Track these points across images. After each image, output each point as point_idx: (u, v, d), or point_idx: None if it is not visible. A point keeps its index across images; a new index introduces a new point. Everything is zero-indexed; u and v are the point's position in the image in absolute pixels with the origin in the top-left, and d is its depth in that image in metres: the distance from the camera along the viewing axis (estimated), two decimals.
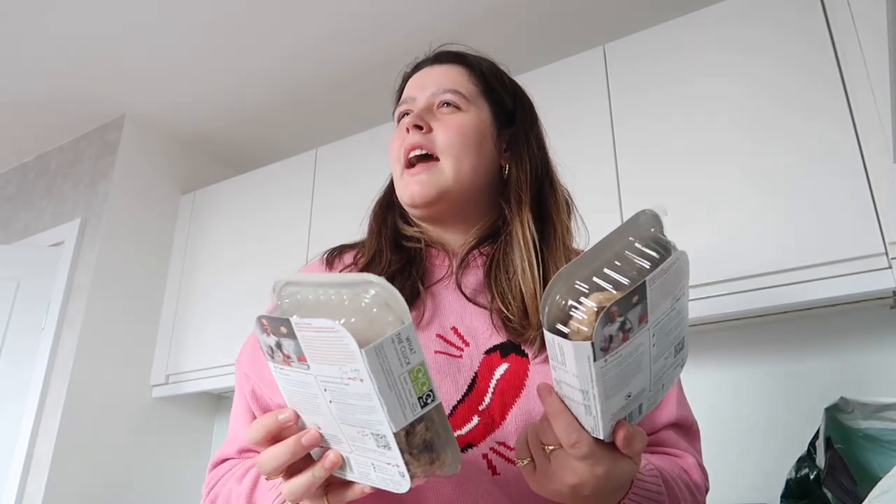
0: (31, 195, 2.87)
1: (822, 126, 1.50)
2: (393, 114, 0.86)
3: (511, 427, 0.66)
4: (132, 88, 2.55)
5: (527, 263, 0.72)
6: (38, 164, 2.93)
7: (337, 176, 2.34)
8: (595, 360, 0.45)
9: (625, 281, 0.47)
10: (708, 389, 1.76)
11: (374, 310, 0.45)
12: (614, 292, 0.46)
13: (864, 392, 1.56)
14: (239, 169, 3.00)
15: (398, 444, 0.46)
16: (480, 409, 0.66)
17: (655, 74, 1.78)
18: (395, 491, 0.48)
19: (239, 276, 2.41)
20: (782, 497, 1.30)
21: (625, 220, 0.51)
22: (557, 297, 0.47)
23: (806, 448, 1.04)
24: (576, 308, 0.46)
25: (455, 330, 0.71)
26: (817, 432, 0.71)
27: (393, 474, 0.48)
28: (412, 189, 0.76)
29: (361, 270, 0.75)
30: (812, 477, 0.68)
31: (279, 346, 0.48)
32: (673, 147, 1.69)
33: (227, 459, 0.74)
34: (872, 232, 1.38)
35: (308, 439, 0.50)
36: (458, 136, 0.76)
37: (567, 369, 0.47)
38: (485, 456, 0.64)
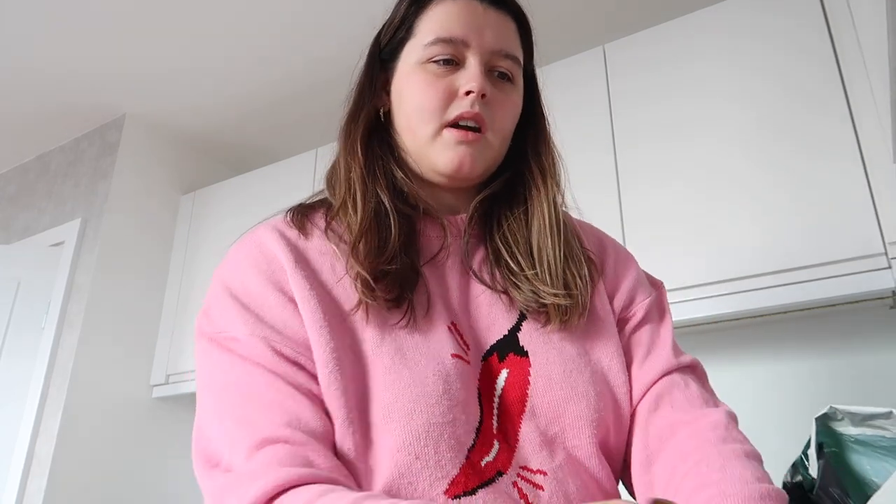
0: (31, 195, 2.87)
1: (821, 126, 1.50)
2: (399, 36, 0.70)
3: (527, 448, 0.60)
4: (132, 88, 2.55)
5: (549, 237, 0.67)
6: (38, 165, 2.93)
7: None
8: None
9: None
10: None
11: None
12: None
13: (865, 391, 1.57)
14: (239, 169, 3.00)
15: None
16: (495, 431, 0.60)
17: (654, 72, 1.78)
18: None
19: None
20: None
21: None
22: None
23: (800, 452, 1.04)
24: None
25: (455, 326, 0.63)
26: (808, 441, 0.70)
27: None
28: (462, 159, 0.65)
29: (360, 239, 0.62)
30: (805, 486, 0.68)
31: None
32: (672, 154, 1.69)
33: (272, 443, 0.54)
34: (872, 232, 1.38)
35: None
36: (511, 117, 0.69)
37: None
38: (514, 484, 0.58)
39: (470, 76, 0.65)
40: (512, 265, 0.66)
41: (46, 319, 2.42)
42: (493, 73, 0.67)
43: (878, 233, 1.38)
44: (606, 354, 0.66)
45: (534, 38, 0.74)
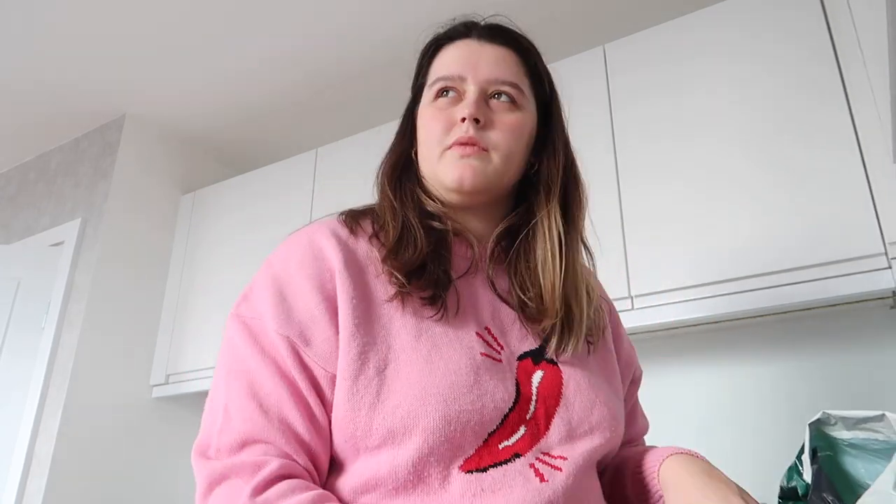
0: (31, 195, 2.87)
1: (822, 126, 1.50)
2: (419, 84, 0.80)
3: (554, 437, 0.66)
4: (132, 88, 2.55)
5: (549, 254, 0.73)
6: (38, 164, 2.93)
7: (337, 176, 2.34)
8: None
9: None
10: (707, 389, 1.76)
11: None
12: None
13: (865, 391, 1.56)
14: (239, 169, 3.00)
15: None
16: (528, 418, 0.66)
17: (655, 82, 1.78)
18: None
19: (239, 275, 2.41)
20: (779, 499, 1.30)
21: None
22: None
23: (795, 456, 1.05)
24: None
25: (489, 330, 0.70)
26: (803, 446, 0.71)
27: None
28: (462, 172, 0.71)
29: (393, 247, 0.70)
30: (800, 492, 0.69)
31: None
32: (672, 153, 1.69)
33: (260, 442, 0.61)
34: (872, 232, 1.38)
35: None
36: (514, 138, 0.74)
37: None
38: (531, 465, 0.64)
39: (464, 105, 0.73)
40: (522, 297, 0.73)
41: (46, 319, 2.42)
42: (495, 99, 0.74)
43: (878, 233, 1.37)
44: (615, 385, 0.77)
45: (546, 64, 0.82)
